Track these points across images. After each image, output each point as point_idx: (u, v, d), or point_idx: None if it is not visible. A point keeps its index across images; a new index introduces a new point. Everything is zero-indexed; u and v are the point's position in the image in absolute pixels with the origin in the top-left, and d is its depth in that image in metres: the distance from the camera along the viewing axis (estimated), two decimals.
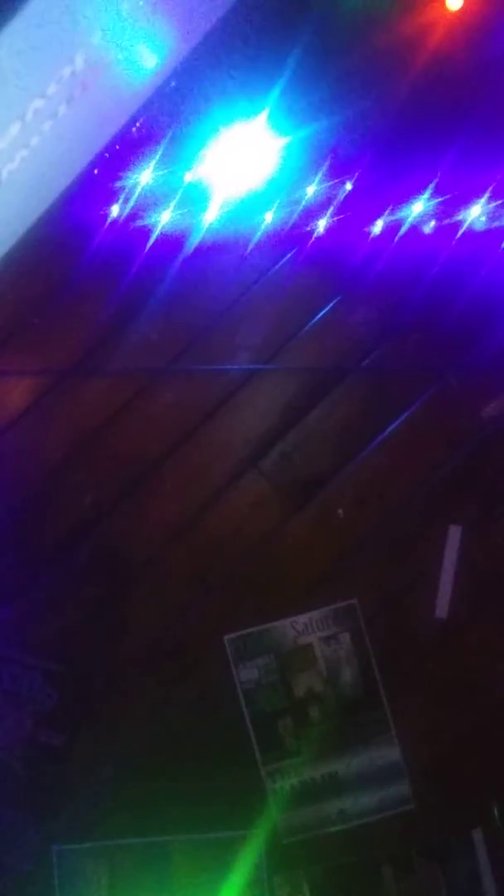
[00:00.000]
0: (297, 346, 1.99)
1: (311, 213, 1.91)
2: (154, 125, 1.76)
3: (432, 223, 1.94)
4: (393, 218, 1.92)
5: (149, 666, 1.92)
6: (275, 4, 1.77)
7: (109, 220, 1.86)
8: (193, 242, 1.93)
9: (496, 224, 1.94)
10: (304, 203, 1.89)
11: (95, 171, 1.69)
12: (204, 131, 1.81)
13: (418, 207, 1.91)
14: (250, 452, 1.97)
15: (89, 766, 1.88)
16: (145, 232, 1.89)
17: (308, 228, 1.93)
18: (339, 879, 1.84)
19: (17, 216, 1.50)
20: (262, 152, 1.84)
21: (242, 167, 1.85)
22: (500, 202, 1.91)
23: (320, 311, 1.99)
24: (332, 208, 1.90)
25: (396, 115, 1.90)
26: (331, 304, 1.99)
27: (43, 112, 1.31)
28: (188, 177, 1.84)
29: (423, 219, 1.93)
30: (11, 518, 1.95)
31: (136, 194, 1.83)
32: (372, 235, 1.94)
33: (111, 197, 1.84)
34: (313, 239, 1.94)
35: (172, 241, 1.92)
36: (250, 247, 1.97)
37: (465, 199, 1.91)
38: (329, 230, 1.93)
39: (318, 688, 1.90)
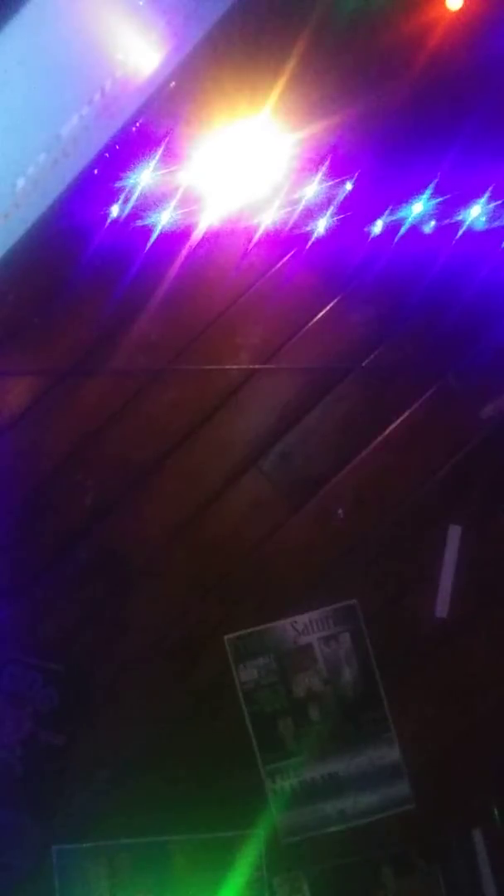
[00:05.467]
0: (297, 346, 1.99)
1: (311, 213, 1.91)
2: (154, 125, 1.76)
3: (432, 223, 1.94)
4: (393, 218, 1.92)
5: (149, 666, 1.92)
6: (275, 4, 1.78)
7: (109, 220, 1.86)
8: (193, 242, 1.93)
9: (496, 224, 1.94)
10: (304, 203, 1.89)
11: (95, 171, 1.69)
12: (204, 131, 1.81)
13: (418, 207, 1.91)
14: (250, 452, 1.97)
15: (89, 766, 1.88)
16: (145, 232, 1.89)
17: (308, 228, 1.93)
18: (339, 879, 1.84)
19: (17, 216, 1.49)
20: (262, 152, 1.84)
21: (242, 167, 1.86)
22: (500, 202, 1.91)
23: (320, 311, 1.99)
24: (332, 208, 1.90)
25: (396, 115, 1.90)
26: (331, 304, 1.99)
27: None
28: (188, 177, 1.84)
29: (423, 219, 1.93)
30: (11, 518, 1.95)
31: (136, 194, 1.83)
32: (372, 235, 1.95)
33: (111, 197, 1.84)
34: (313, 239, 1.94)
35: (172, 242, 1.92)
36: (250, 247, 1.97)
37: (465, 199, 1.91)
38: (329, 230, 1.93)
39: (318, 688, 1.90)
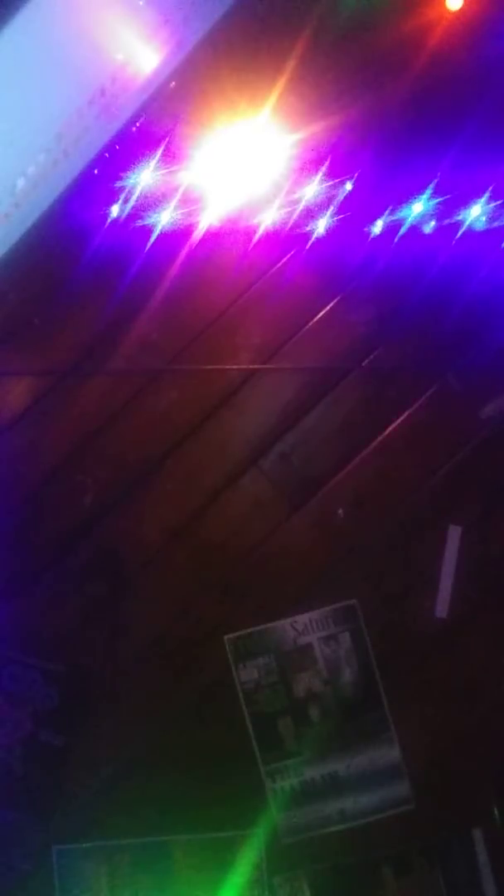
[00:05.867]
0: (297, 346, 1.99)
1: (311, 213, 1.91)
2: (154, 125, 1.76)
3: (432, 223, 1.94)
4: (393, 218, 1.92)
5: (149, 666, 1.92)
6: (275, 4, 1.78)
7: (109, 220, 1.86)
8: (193, 242, 1.93)
9: (496, 224, 1.94)
10: (304, 203, 1.89)
11: (95, 171, 1.69)
12: (204, 131, 1.81)
13: (418, 207, 1.91)
14: (250, 452, 1.97)
15: (89, 766, 1.88)
16: (145, 232, 1.89)
17: (308, 228, 1.93)
18: (339, 879, 1.84)
19: (17, 216, 1.50)
20: (262, 152, 1.84)
21: (242, 167, 1.86)
22: (500, 202, 1.91)
23: (320, 311, 1.99)
24: (332, 208, 1.90)
25: (396, 115, 1.90)
26: (331, 304, 1.99)
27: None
28: (188, 177, 1.84)
29: (423, 219, 1.93)
30: (11, 518, 1.95)
31: (136, 194, 1.83)
32: (372, 235, 1.95)
33: (111, 197, 1.84)
34: (313, 239, 1.94)
35: (172, 242, 1.92)
36: (250, 247, 1.97)
37: (465, 199, 1.91)
38: (329, 230, 1.93)
39: (318, 688, 1.90)
